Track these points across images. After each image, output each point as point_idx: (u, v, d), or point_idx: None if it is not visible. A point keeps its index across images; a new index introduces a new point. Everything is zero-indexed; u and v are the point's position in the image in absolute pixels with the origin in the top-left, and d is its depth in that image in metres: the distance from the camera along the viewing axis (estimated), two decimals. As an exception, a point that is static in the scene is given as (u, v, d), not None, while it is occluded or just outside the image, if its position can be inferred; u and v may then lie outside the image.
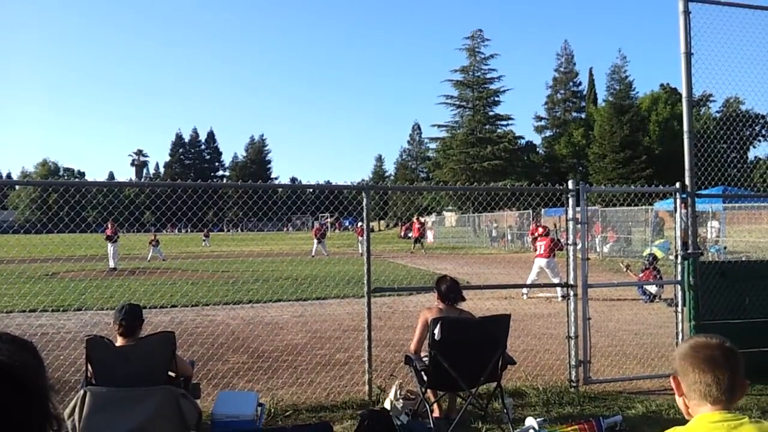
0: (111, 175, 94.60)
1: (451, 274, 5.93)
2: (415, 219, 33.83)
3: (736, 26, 6.02)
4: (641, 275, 12.22)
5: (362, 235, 19.14)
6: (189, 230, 57.65)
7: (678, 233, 6.12)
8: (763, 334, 5.78)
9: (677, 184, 6.16)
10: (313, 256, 25.75)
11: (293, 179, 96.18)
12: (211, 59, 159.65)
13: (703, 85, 6.12)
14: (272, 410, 5.17)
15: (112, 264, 20.12)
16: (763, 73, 6.22)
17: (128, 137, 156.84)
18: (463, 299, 4.94)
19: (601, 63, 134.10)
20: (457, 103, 62.33)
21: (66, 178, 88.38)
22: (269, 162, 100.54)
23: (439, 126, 64.56)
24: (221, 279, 16.17)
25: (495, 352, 4.52)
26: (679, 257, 6.09)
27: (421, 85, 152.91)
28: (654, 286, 11.54)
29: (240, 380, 6.31)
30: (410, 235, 33.87)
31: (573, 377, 5.96)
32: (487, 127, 61.23)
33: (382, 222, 77.28)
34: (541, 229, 14.72)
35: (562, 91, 71.43)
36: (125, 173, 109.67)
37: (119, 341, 3.94)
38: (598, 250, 24.19)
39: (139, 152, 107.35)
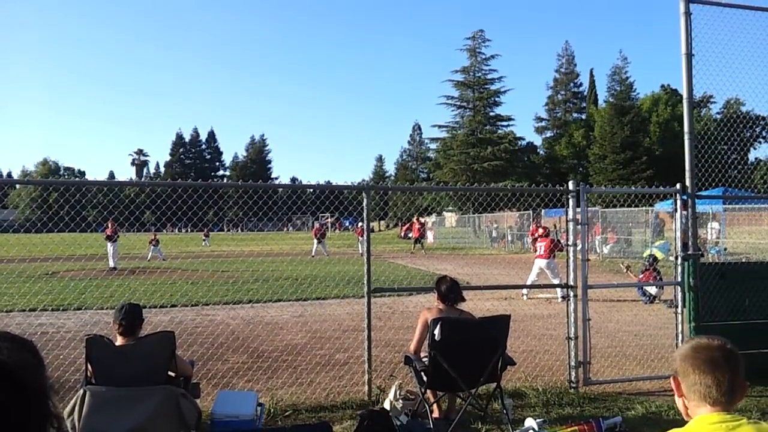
0: (111, 175, 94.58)
1: (451, 274, 5.94)
2: (415, 219, 33.83)
3: (737, 28, 6.02)
4: (641, 276, 12.21)
5: (362, 236, 19.14)
6: (189, 230, 57.67)
7: (678, 234, 6.12)
8: (763, 336, 5.78)
9: (677, 185, 6.16)
10: (313, 256, 25.74)
11: (293, 179, 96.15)
12: (212, 60, 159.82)
13: (703, 86, 6.13)
14: (272, 410, 5.17)
15: (111, 263, 20.13)
16: (764, 74, 6.22)
17: (128, 137, 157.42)
18: (463, 300, 4.94)
19: (601, 64, 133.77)
20: (458, 103, 62.28)
21: (66, 177, 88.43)
22: (269, 162, 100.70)
23: (440, 126, 64.54)
24: (221, 279, 16.17)
25: (495, 353, 4.52)
26: (679, 258, 6.09)
27: (422, 86, 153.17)
28: (654, 287, 11.53)
29: (240, 380, 6.31)
30: (410, 235, 33.86)
31: (573, 378, 5.96)
32: (487, 127, 61.17)
33: (382, 222, 77.26)
34: (541, 230, 14.74)
35: (563, 92, 71.41)
36: (125, 173, 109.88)
37: (119, 341, 3.94)
38: (597, 250, 24.18)
39: (140, 152, 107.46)
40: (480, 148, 58.13)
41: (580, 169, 60.28)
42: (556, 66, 73.15)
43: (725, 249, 19.59)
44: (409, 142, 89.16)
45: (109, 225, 21.48)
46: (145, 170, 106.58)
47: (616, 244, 24.79)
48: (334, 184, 7.22)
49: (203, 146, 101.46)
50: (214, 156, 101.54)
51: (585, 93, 70.30)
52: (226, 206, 68.02)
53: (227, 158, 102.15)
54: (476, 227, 40.05)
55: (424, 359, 4.65)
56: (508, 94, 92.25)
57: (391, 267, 19.98)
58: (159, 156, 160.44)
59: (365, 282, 5.62)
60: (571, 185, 6.21)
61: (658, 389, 5.90)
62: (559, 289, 11.49)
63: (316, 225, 29.33)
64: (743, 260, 13.76)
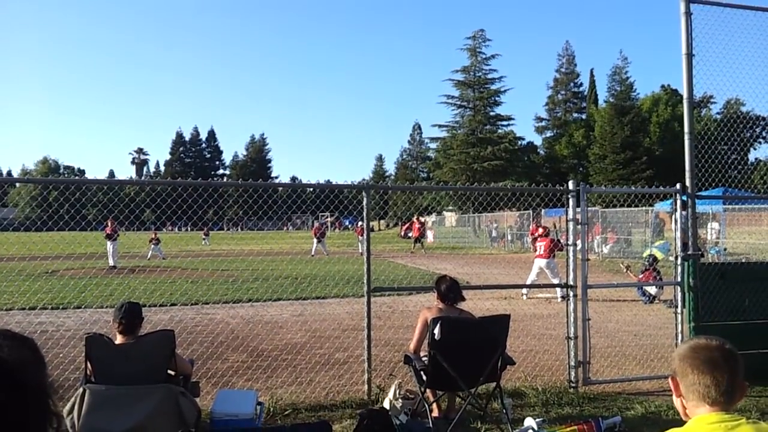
0: (111, 173, 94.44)
1: (450, 274, 5.94)
2: (415, 219, 33.82)
3: (737, 28, 6.02)
4: (641, 276, 12.21)
5: (362, 235, 19.14)
6: (189, 229, 57.66)
7: (678, 234, 6.12)
8: (762, 336, 5.78)
9: (677, 186, 6.16)
10: (312, 256, 25.75)
11: (293, 178, 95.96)
12: (212, 59, 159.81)
13: (704, 86, 6.12)
14: (271, 409, 5.17)
15: (111, 262, 20.12)
16: (764, 74, 6.22)
17: (128, 136, 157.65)
18: (463, 299, 4.95)
19: (602, 64, 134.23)
20: (458, 103, 62.28)
21: (66, 176, 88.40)
22: (269, 161, 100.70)
23: (440, 126, 64.54)
24: (221, 278, 16.17)
25: (494, 353, 4.52)
26: (679, 258, 6.09)
27: (422, 86, 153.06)
28: (654, 287, 11.53)
29: (239, 379, 6.31)
30: (410, 234, 33.86)
31: (572, 378, 5.96)
32: (487, 127, 61.17)
33: (382, 221, 77.27)
34: (541, 230, 14.72)
35: (563, 92, 71.40)
36: (125, 171, 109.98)
37: (119, 339, 3.95)
38: (596, 250, 24.17)
39: (140, 150, 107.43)
40: (480, 147, 58.12)
41: (580, 168, 60.29)
42: (557, 66, 73.35)
43: (725, 249, 19.59)
44: (409, 141, 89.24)
45: (109, 224, 21.45)
46: (145, 169, 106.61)
47: (615, 244, 24.79)
48: (334, 183, 7.19)
49: (203, 145, 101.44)
50: (214, 155, 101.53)
51: (585, 93, 70.30)
52: (226, 205, 68.00)
53: (227, 157, 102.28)
54: (476, 227, 40.05)
55: (424, 358, 4.65)
56: (508, 93, 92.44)
57: (391, 266, 19.98)
58: (159, 155, 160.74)
59: (365, 281, 5.62)
60: (571, 185, 6.21)
61: (658, 389, 5.90)
62: (558, 289, 11.49)
63: (316, 224, 29.35)
64: (743, 260, 13.75)
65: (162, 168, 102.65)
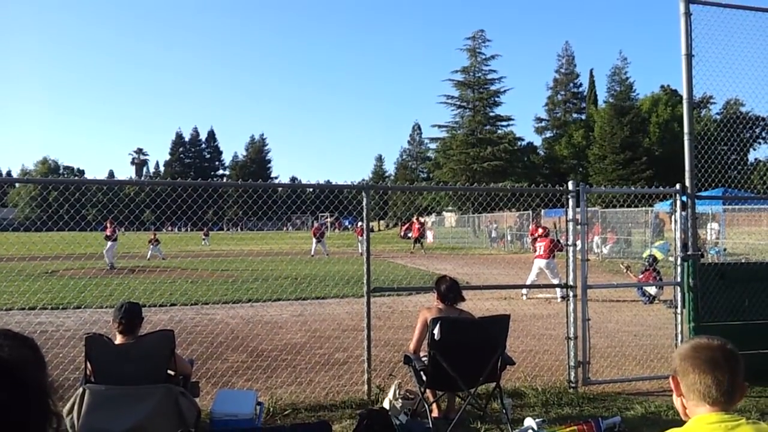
0: (111, 174, 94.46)
1: (450, 274, 5.94)
2: (414, 219, 33.82)
3: (737, 28, 6.02)
4: (641, 276, 12.21)
5: (362, 235, 19.12)
6: (189, 229, 57.64)
7: (678, 235, 6.13)
8: (762, 336, 5.79)
9: (677, 186, 6.16)
10: (312, 256, 25.75)
11: (293, 179, 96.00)
12: (212, 59, 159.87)
13: (703, 86, 6.13)
14: (271, 409, 5.17)
15: (107, 260, 19.98)
16: (764, 75, 6.22)
17: (128, 136, 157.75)
18: (463, 299, 4.94)
19: (601, 64, 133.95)
20: (458, 103, 62.27)
21: (66, 176, 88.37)
22: (269, 161, 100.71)
23: (440, 126, 64.53)
24: (221, 278, 16.17)
25: (494, 353, 4.52)
26: (679, 259, 6.09)
27: (422, 86, 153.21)
28: (653, 287, 11.53)
29: (239, 379, 6.31)
30: (410, 235, 33.85)
31: (572, 378, 5.96)
32: (487, 127, 61.16)
33: (381, 222, 77.26)
34: (540, 230, 14.72)
35: (563, 93, 71.39)
36: (125, 172, 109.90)
37: (118, 339, 3.94)
38: (596, 251, 24.18)
39: (139, 151, 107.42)
40: (480, 148, 58.12)
41: (580, 169, 60.25)
42: (556, 66, 73.24)
43: (725, 249, 19.60)
44: (408, 142, 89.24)
45: (108, 225, 21.38)
46: (144, 169, 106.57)
47: (615, 245, 24.80)
48: (333, 183, 7.19)
49: (203, 145, 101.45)
50: (214, 155, 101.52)
51: (585, 93, 70.29)
52: (226, 205, 68.01)
53: (227, 158, 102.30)
54: (476, 227, 40.05)
55: (424, 359, 4.65)
56: (508, 94, 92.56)
57: (391, 266, 19.98)
58: (159, 155, 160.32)
59: (365, 281, 5.62)
60: (570, 185, 6.21)
61: (658, 389, 5.90)
62: (558, 289, 11.49)
63: (316, 224, 29.34)
64: (743, 261, 13.75)
65: (162, 168, 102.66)
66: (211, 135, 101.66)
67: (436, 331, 4.38)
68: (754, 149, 54.08)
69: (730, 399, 1.76)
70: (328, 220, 54.42)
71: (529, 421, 4.67)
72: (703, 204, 14.94)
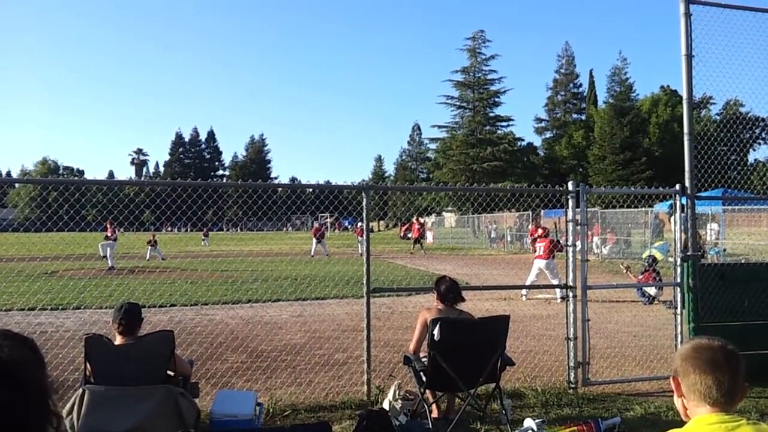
0: (111, 174, 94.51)
1: (450, 274, 5.94)
2: (414, 219, 33.81)
3: (737, 29, 6.02)
4: (641, 277, 12.21)
5: (362, 236, 19.11)
6: (188, 229, 57.64)
7: (677, 235, 6.13)
8: (762, 337, 5.78)
9: (677, 186, 6.16)
10: (312, 256, 25.74)
11: (293, 179, 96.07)
12: (212, 59, 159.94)
13: (703, 87, 6.13)
14: (271, 410, 5.16)
15: (104, 255, 19.98)
16: (764, 75, 6.22)
17: (128, 136, 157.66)
18: (463, 300, 4.94)
19: (601, 65, 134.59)
20: (458, 103, 62.30)
21: (65, 176, 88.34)
22: (269, 162, 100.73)
23: (440, 127, 64.55)
24: (220, 278, 16.16)
25: (494, 353, 4.51)
26: (679, 259, 6.09)
27: (422, 86, 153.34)
28: (653, 288, 11.53)
29: (239, 380, 6.30)
30: (410, 235, 33.84)
31: (572, 378, 5.96)
32: (487, 128, 61.18)
33: (381, 222, 77.24)
34: (540, 231, 14.71)
35: (563, 93, 71.45)
36: (125, 172, 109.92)
37: (118, 340, 3.94)
38: (596, 251, 24.18)
39: (139, 151, 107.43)
40: (479, 148, 58.14)
41: (580, 169, 60.28)
42: (556, 67, 73.31)
43: (724, 250, 19.59)
44: (408, 142, 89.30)
45: (108, 226, 21.37)
46: (144, 170, 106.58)
47: (615, 245, 24.80)
48: (333, 184, 7.19)
49: (203, 146, 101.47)
50: (214, 156, 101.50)
51: (585, 94, 70.34)
52: (226, 206, 67.99)
53: (227, 158, 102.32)
54: (476, 228, 40.05)
55: (424, 359, 4.65)
56: (508, 94, 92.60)
57: (391, 267, 19.98)
58: (158, 155, 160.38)
59: (364, 282, 5.61)
60: (570, 186, 6.21)
61: (657, 390, 5.90)
62: (558, 290, 11.49)
63: (316, 225, 29.34)
64: (742, 261, 13.76)
65: (161, 169, 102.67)
66: (211, 135, 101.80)
67: (435, 331, 4.38)
68: (754, 150, 54.12)
69: (730, 400, 1.75)
70: (328, 220, 54.40)
71: (528, 422, 4.67)
72: (702, 204, 14.94)
